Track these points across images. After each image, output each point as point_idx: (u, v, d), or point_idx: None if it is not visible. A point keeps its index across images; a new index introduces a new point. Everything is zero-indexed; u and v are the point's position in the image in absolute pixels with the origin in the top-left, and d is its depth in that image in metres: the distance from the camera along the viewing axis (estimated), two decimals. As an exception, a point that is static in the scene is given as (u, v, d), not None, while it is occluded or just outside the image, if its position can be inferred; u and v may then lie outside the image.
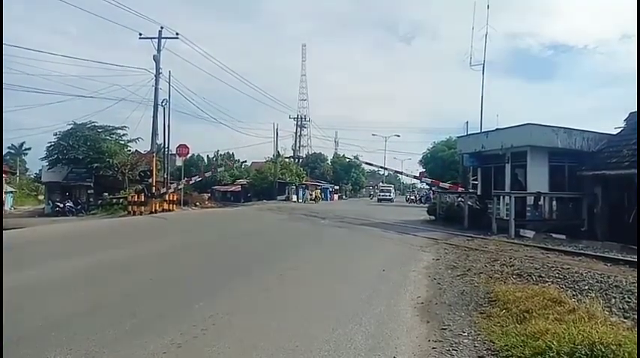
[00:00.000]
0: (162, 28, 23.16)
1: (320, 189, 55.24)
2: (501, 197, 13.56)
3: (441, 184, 26.37)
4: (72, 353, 3.22)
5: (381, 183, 69.16)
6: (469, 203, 15.59)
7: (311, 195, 49.47)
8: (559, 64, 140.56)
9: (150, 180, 22.46)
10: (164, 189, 22.64)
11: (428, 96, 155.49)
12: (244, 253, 8.75)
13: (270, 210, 23.37)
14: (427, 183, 56.32)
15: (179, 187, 24.72)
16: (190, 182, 28.49)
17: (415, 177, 54.32)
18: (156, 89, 22.99)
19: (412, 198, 56.15)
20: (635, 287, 5.38)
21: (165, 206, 21.58)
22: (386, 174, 73.46)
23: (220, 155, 60.43)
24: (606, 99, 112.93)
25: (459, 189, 19.97)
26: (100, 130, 26.71)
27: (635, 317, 4.26)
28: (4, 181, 26.50)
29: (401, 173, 46.60)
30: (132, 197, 20.71)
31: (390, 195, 53.75)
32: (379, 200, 51.28)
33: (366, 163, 54.82)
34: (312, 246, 10.03)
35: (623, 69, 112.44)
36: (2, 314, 3.53)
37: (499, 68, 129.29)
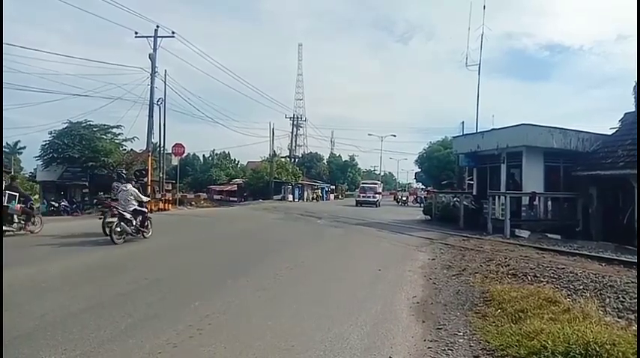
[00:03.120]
0: (158, 26, 23.00)
1: (319, 189, 56.02)
2: (497, 197, 13.61)
3: None
4: (66, 352, 3.19)
5: (362, 182, 48.79)
6: (465, 203, 15.65)
7: (313, 194, 52.78)
8: (555, 65, 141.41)
9: (145, 180, 22.35)
10: (159, 196, 22.67)
11: (424, 96, 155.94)
12: (240, 253, 8.73)
13: (266, 210, 23.33)
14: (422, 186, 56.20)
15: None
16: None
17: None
18: (151, 88, 22.84)
19: (404, 199, 47.39)
20: (630, 286, 5.42)
21: (161, 205, 21.50)
22: (382, 174, 73.55)
23: (216, 154, 60.34)
24: (601, 99, 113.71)
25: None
26: (95, 129, 26.50)
27: (630, 316, 4.29)
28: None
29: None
30: (127, 196, 20.59)
31: (374, 197, 35.94)
32: (358, 203, 35.22)
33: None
34: (308, 245, 10.00)
35: (618, 70, 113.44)
36: (2, 314, 3.50)
37: (495, 68, 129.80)
